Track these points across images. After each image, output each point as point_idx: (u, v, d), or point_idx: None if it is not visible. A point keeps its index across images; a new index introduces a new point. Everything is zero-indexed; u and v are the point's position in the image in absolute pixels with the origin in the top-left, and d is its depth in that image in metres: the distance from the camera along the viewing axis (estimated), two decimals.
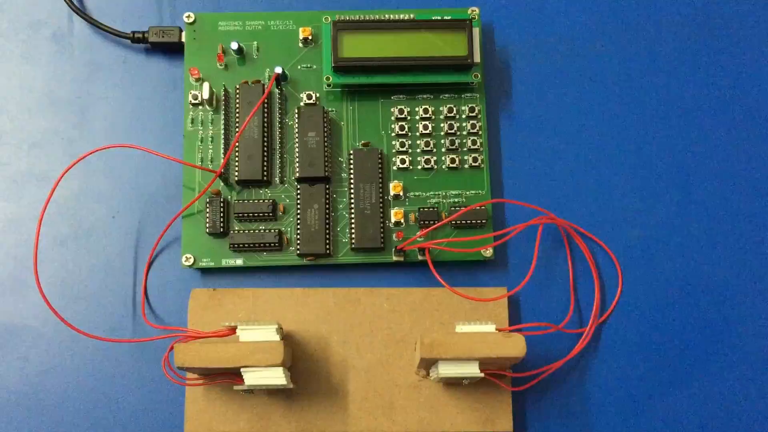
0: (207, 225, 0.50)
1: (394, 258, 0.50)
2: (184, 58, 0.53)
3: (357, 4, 0.55)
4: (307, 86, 0.52)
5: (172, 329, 0.49)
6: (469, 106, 0.52)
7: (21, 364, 0.50)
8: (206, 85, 0.51)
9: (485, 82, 0.54)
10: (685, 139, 0.54)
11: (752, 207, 0.53)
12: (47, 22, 0.54)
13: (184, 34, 0.53)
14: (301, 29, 0.53)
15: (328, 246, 0.50)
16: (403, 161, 0.51)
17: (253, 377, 0.44)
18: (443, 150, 0.52)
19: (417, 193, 0.51)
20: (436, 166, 0.52)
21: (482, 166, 0.52)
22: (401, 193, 0.51)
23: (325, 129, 0.51)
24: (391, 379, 0.49)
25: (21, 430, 0.49)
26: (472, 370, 0.44)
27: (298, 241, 0.50)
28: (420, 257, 0.50)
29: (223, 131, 0.52)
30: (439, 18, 0.52)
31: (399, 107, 0.52)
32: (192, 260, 0.50)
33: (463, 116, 0.52)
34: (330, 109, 0.52)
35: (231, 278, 0.51)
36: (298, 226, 0.50)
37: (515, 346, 0.44)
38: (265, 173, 0.51)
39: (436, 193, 0.51)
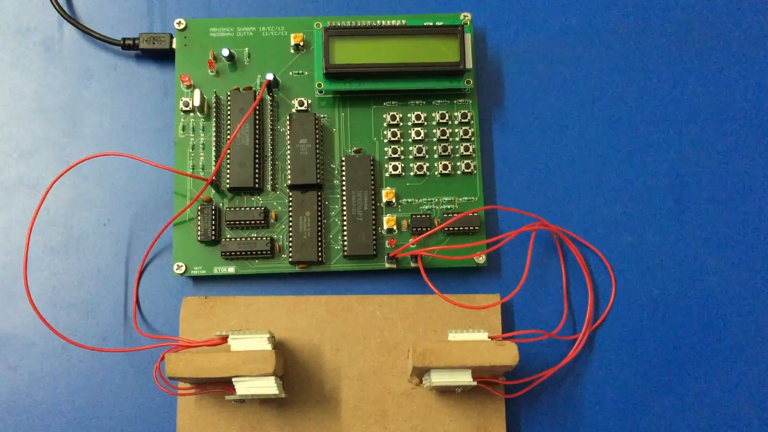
0: (198, 233, 0.50)
1: (387, 265, 0.50)
2: (175, 64, 0.52)
3: (349, 10, 0.55)
4: (298, 92, 0.52)
5: (164, 338, 0.49)
6: (462, 112, 0.52)
7: (10, 374, 0.49)
8: (197, 92, 0.51)
9: (477, 88, 0.53)
10: (679, 145, 0.54)
11: (745, 213, 0.53)
12: (37, 28, 0.54)
13: (174, 40, 0.53)
14: (292, 35, 0.52)
15: (320, 253, 0.50)
16: (395, 168, 0.51)
17: (244, 387, 0.44)
18: (436, 156, 0.52)
19: (409, 200, 0.51)
20: (428, 173, 0.52)
21: (475, 172, 0.52)
22: (393, 200, 0.51)
23: (317, 135, 0.51)
24: (384, 387, 0.48)
25: None
26: (465, 378, 0.44)
27: (290, 249, 0.49)
28: (413, 264, 0.50)
29: (214, 138, 0.51)
30: (431, 24, 0.52)
31: (391, 113, 0.52)
32: (183, 268, 0.50)
33: (456, 122, 0.52)
34: (322, 115, 0.52)
35: (223, 286, 0.51)
36: (290, 234, 0.50)
37: (508, 355, 0.43)
38: (256, 180, 0.50)
39: (429, 199, 0.51)
